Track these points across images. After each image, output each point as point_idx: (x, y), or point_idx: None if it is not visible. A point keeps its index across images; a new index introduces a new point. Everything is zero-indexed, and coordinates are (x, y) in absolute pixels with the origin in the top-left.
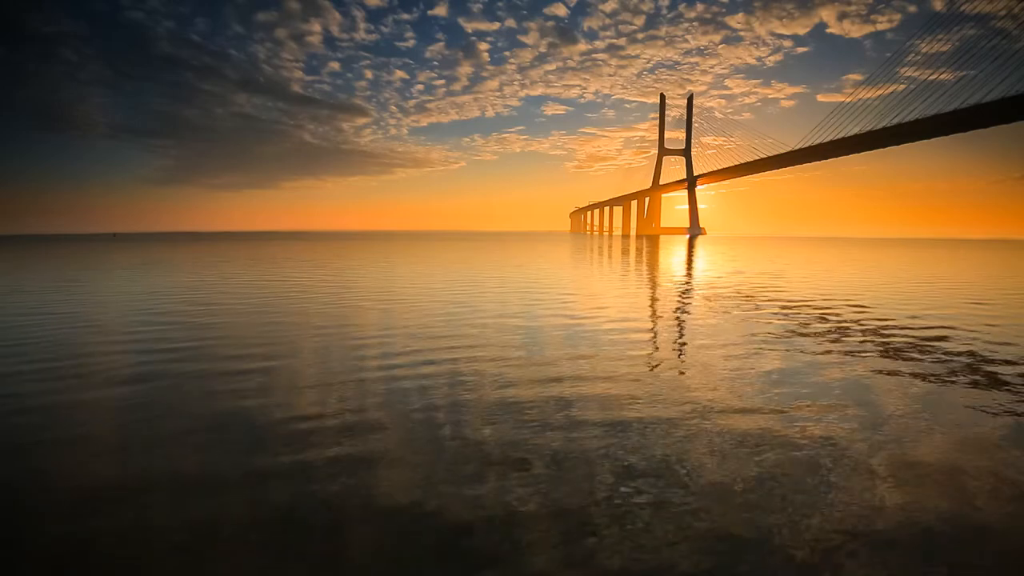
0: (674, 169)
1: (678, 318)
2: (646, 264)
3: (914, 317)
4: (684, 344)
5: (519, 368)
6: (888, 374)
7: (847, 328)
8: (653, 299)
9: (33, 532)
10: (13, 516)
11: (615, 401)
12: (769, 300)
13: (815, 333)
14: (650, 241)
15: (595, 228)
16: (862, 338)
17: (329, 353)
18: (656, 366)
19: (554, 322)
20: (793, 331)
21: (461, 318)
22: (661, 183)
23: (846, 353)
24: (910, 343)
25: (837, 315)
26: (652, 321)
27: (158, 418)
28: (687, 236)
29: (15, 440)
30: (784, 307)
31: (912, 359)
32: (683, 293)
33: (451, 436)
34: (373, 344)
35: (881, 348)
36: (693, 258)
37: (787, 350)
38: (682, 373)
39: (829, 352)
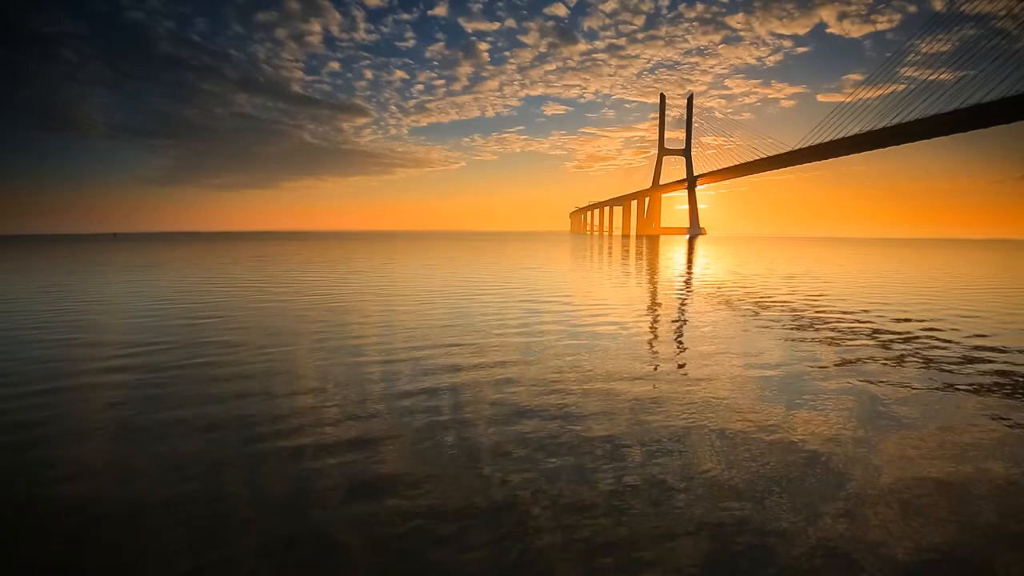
0: (674, 169)
1: (744, 346)
2: (661, 268)
3: None
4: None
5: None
6: None
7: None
8: (704, 321)
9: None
10: (14, 517)
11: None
12: (863, 324)
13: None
14: (652, 241)
15: (595, 228)
16: None
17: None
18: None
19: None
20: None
21: (486, 327)
22: (661, 183)
23: None
24: None
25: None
26: (722, 353)
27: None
28: (687, 236)
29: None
30: (879, 331)
31: None
32: (725, 306)
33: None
34: (395, 352)
35: None
36: (706, 260)
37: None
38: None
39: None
